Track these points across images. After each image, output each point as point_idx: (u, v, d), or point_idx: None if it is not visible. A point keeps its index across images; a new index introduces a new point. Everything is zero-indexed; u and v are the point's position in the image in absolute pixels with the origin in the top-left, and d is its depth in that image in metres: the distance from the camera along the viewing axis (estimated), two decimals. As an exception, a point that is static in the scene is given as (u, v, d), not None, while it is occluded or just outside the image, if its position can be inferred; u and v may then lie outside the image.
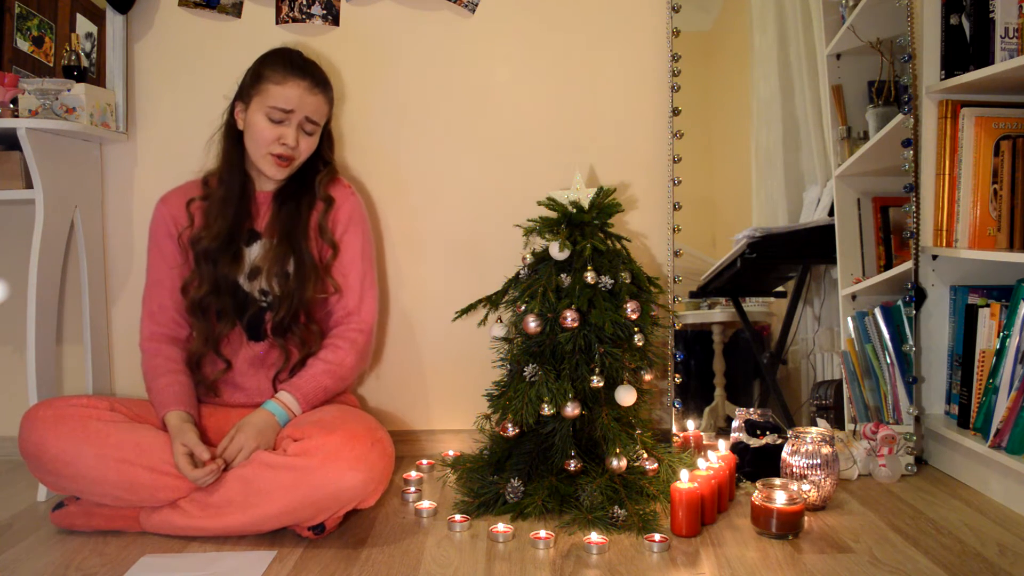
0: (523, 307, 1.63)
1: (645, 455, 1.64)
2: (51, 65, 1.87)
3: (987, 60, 1.72)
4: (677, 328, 1.95)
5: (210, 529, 1.46)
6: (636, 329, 1.63)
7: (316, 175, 1.74)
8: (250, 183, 1.73)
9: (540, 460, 1.66)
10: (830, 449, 1.61)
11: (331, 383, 1.64)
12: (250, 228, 1.70)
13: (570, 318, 1.58)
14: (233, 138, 1.71)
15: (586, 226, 1.67)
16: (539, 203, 1.71)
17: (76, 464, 1.46)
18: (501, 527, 1.50)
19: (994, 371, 1.67)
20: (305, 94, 1.64)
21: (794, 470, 1.61)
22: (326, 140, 1.78)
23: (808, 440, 1.62)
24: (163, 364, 1.64)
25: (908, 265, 1.87)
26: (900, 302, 1.88)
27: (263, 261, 1.67)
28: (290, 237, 1.67)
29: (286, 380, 1.65)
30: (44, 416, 1.49)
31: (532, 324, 1.60)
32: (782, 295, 1.99)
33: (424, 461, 1.94)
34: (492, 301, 1.74)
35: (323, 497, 1.41)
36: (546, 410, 1.56)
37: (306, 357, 1.68)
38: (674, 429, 1.92)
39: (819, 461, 1.59)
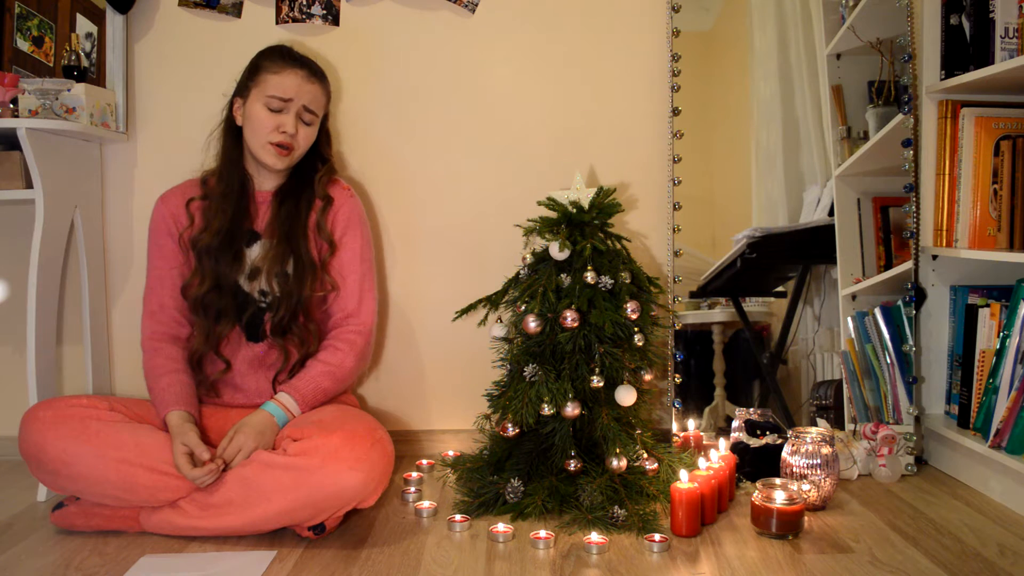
0: (523, 307, 1.63)
1: (645, 455, 1.64)
2: (51, 65, 1.87)
3: (987, 60, 1.72)
4: (677, 328, 1.95)
5: (210, 529, 1.46)
6: (636, 329, 1.63)
7: (315, 173, 1.75)
8: (249, 181, 1.73)
9: (540, 460, 1.66)
10: (830, 449, 1.61)
11: (330, 385, 1.64)
12: (250, 228, 1.71)
13: (570, 318, 1.58)
14: (232, 135, 1.72)
15: (586, 226, 1.68)
16: (539, 203, 1.71)
17: (76, 464, 1.46)
18: (501, 527, 1.50)
19: (994, 371, 1.67)
20: (303, 83, 1.66)
21: (794, 470, 1.61)
22: (323, 137, 1.79)
23: (808, 440, 1.62)
24: (164, 364, 1.64)
25: (908, 265, 1.87)
26: (900, 302, 1.88)
27: (263, 261, 1.67)
28: (289, 237, 1.68)
29: (285, 381, 1.65)
30: (44, 416, 1.49)
31: (532, 324, 1.60)
32: (782, 295, 1.99)
33: (424, 461, 1.94)
34: (492, 301, 1.74)
35: (323, 497, 1.41)
36: (546, 410, 1.56)
37: (305, 357, 1.68)
38: (674, 429, 1.92)
39: (819, 461, 1.59)
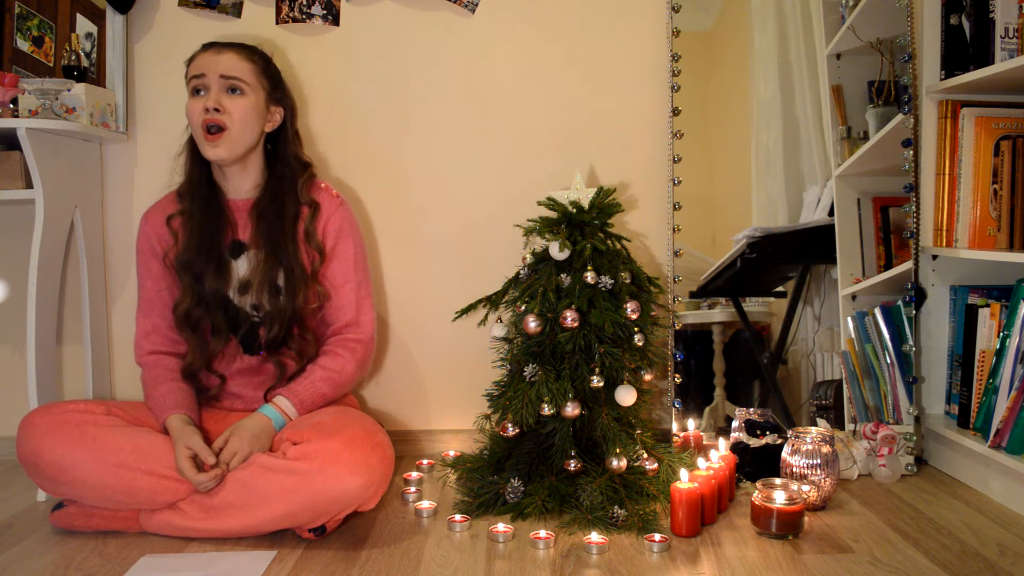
0: (523, 307, 1.63)
1: (645, 455, 1.64)
2: (51, 65, 1.87)
3: (987, 60, 1.72)
4: (677, 328, 1.94)
5: (210, 531, 1.46)
6: (636, 329, 1.63)
7: (295, 178, 1.69)
8: (218, 191, 1.69)
9: (540, 460, 1.66)
10: (830, 449, 1.61)
11: (329, 390, 1.63)
12: (234, 239, 1.66)
13: (570, 318, 1.58)
14: (193, 147, 1.69)
15: (586, 226, 1.67)
16: (539, 203, 1.71)
17: (74, 471, 1.45)
18: (501, 527, 1.50)
19: (994, 371, 1.67)
20: (212, 56, 1.63)
21: (794, 470, 1.61)
22: (295, 138, 1.74)
23: (808, 440, 1.62)
24: (163, 374, 1.64)
25: (908, 265, 1.87)
26: (900, 302, 1.88)
27: (252, 275, 1.63)
28: (277, 248, 1.63)
29: (283, 385, 1.64)
30: (40, 423, 1.48)
31: (532, 324, 1.60)
32: (782, 295, 1.99)
33: (424, 461, 1.94)
34: (492, 301, 1.74)
35: (323, 501, 1.41)
36: (546, 410, 1.56)
37: (304, 364, 1.67)
38: (674, 429, 1.91)
39: (819, 461, 1.59)
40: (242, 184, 1.69)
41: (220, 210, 1.67)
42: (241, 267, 1.66)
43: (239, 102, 1.62)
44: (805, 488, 1.58)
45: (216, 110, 1.59)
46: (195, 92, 1.63)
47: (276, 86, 1.71)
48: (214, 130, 1.60)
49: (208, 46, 1.66)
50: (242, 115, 1.62)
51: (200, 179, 1.68)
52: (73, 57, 1.80)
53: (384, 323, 2.04)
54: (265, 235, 1.64)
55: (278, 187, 1.68)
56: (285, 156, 1.71)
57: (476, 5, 1.98)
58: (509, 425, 1.61)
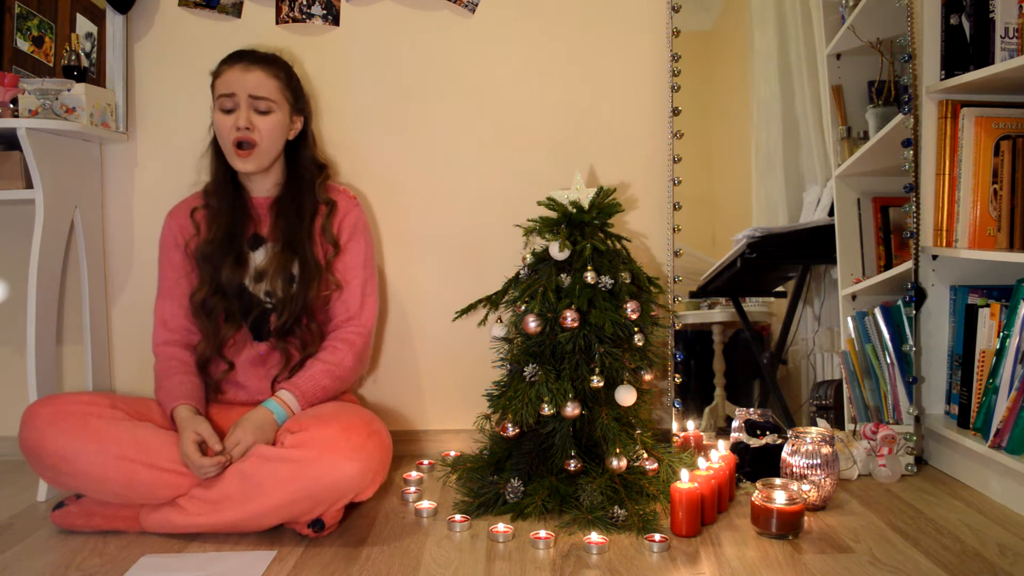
0: (523, 307, 1.63)
1: (645, 455, 1.64)
2: (51, 65, 1.87)
3: (987, 60, 1.72)
4: (677, 328, 1.95)
5: (209, 525, 1.47)
6: (636, 329, 1.63)
7: (312, 179, 1.75)
8: (243, 190, 1.75)
9: (540, 460, 1.66)
10: (830, 449, 1.61)
11: (330, 383, 1.65)
12: (254, 233, 1.72)
13: (570, 318, 1.58)
14: (217, 149, 1.73)
15: (586, 226, 1.67)
16: (539, 203, 1.71)
17: (75, 461, 1.46)
18: (501, 527, 1.50)
19: (994, 371, 1.67)
20: (242, 74, 1.66)
21: (794, 470, 1.61)
22: (311, 140, 1.79)
23: (808, 440, 1.62)
24: (176, 366, 1.66)
25: (908, 265, 1.87)
26: (900, 302, 1.88)
27: (268, 265, 1.68)
28: (293, 242, 1.69)
29: (285, 379, 1.66)
30: (43, 413, 1.49)
31: (532, 324, 1.60)
32: (782, 295, 1.99)
33: (424, 461, 1.94)
34: (492, 301, 1.75)
35: (320, 489, 1.42)
36: (546, 410, 1.56)
37: (305, 358, 1.69)
38: (674, 429, 1.91)
39: (819, 461, 1.59)
40: (264, 184, 1.75)
41: (244, 207, 1.73)
42: (258, 258, 1.70)
43: (268, 120, 1.67)
44: (805, 488, 1.58)
45: (247, 128, 1.65)
46: (224, 109, 1.66)
47: (298, 97, 1.77)
48: (245, 146, 1.66)
49: (235, 60, 1.68)
50: (270, 131, 1.68)
51: (225, 179, 1.74)
52: (73, 57, 1.80)
53: (385, 323, 2.04)
54: (283, 229, 1.70)
55: (297, 187, 1.75)
56: (304, 159, 1.77)
57: (476, 5, 1.98)
58: (509, 425, 1.61)
